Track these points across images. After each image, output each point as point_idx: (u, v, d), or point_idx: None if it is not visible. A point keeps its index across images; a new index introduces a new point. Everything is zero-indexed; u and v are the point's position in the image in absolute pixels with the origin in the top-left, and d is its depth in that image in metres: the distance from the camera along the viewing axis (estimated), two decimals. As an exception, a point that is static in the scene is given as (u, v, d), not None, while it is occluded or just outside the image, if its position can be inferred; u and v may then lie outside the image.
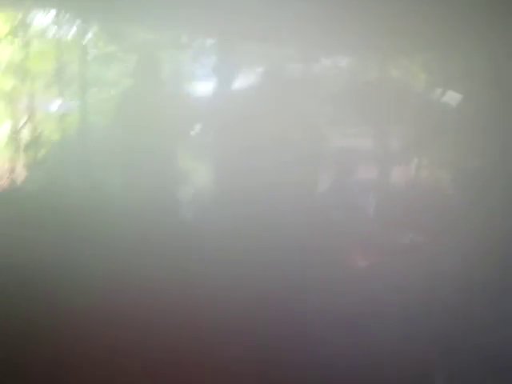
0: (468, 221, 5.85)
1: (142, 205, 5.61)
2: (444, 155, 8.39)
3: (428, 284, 4.61)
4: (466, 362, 4.06)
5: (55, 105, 11.80)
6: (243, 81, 10.90)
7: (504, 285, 4.58)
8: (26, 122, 9.85)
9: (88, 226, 5.14)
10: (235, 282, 4.36)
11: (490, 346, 4.10)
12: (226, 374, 3.94)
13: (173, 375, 3.93)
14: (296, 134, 5.72)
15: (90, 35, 6.38)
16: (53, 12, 8.85)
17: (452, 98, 9.62)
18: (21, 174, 7.67)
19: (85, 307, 4.19)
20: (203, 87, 12.03)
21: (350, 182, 6.63)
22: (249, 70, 11.77)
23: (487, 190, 6.43)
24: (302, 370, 3.98)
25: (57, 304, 4.21)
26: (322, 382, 3.97)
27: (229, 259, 4.59)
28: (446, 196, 7.44)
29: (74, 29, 10.99)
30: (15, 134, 9.59)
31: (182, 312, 4.16)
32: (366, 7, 6.20)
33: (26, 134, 9.53)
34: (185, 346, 4.03)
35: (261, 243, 4.93)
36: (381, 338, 4.21)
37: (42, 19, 10.60)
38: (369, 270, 4.97)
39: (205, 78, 13.91)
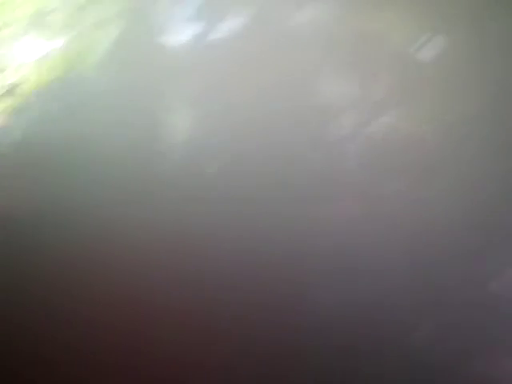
0: (450, 171, 5.87)
1: (124, 152, 5.54)
2: (425, 105, 8.39)
3: (414, 232, 4.58)
4: (454, 315, 4.09)
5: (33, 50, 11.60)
6: (227, 25, 10.74)
7: (488, 234, 4.58)
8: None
9: (72, 173, 5.04)
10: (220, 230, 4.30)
11: (478, 300, 4.13)
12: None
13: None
14: (283, 84, 5.66)
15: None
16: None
17: (436, 45, 9.59)
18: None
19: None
20: (186, 31, 11.83)
21: (333, 131, 6.60)
22: (235, 13, 11.60)
23: (468, 140, 6.44)
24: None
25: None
26: (310, 332, 3.97)
27: (209, 209, 4.52)
28: (427, 146, 7.45)
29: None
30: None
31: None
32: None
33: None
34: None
35: (244, 194, 4.87)
36: (367, 290, 4.21)
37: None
38: (354, 220, 4.96)
39: (188, 21, 13.70)
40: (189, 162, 5.88)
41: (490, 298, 4.30)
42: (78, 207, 4.63)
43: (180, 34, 8.32)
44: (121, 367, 3.96)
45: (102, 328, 4.08)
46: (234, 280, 4.30)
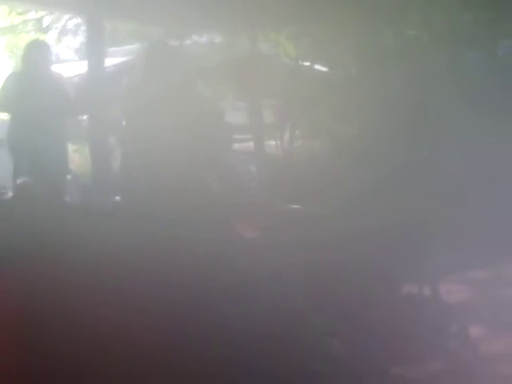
0: (345, 188, 5.99)
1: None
2: (317, 125, 8.58)
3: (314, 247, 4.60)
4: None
5: None
6: (113, 60, 10.70)
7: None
8: None
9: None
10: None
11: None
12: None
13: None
14: (191, 109, 5.65)
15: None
16: None
17: (320, 69, 9.85)
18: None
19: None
20: (69, 68, 11.72)
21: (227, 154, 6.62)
22: (119, 48, 11.60)
23: (363, 158, 6.60)
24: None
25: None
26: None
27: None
28: (322, 164, 7.59)
29: None
30: None
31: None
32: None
33: None
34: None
35: (152, 220, 4.77)
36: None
37: None
38: (255, 240, 4.92)
39: (70, 59, 13.53)
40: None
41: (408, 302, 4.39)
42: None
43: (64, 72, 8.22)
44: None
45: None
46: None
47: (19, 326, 3.70)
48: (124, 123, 6.19)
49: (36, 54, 6.60)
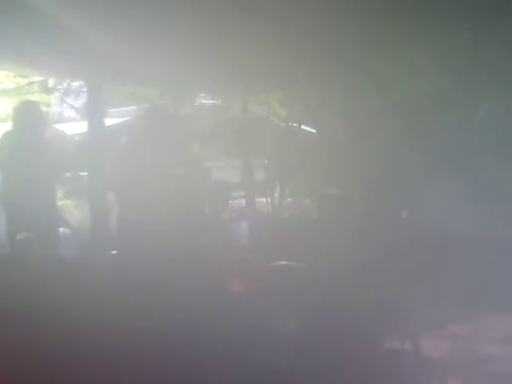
0: (332, 244, 6.01)
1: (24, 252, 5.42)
2: (306, 184, 8.64)
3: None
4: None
5: None
6: (112, 120, 10.83)
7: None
8: None
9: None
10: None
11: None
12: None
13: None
14: (167, 169, 5.73)
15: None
16: None
17: (308, 131, 9.97)
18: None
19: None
20: (72, 128, 11.84)
21: (221, 212, 6.65)
22: (117, 109, 11.75)
23: (348, 215, 6.65)
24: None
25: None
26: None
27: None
28: (310, 222, 7.62)
29: None
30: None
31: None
32: (224, 53, 6.30)
33: None
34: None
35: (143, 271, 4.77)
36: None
37: None
38: (245, 296, 4.93)
39: (72, 119, 13.66)
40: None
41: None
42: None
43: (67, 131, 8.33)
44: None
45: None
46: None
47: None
48: (120, 180, 6.28)
49: (26, 114, 6.62)
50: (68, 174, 7.68)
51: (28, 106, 7.12)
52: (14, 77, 10.09)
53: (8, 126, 9.39)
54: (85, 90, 9.51)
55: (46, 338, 3.70)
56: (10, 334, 3.70)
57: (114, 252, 6.02)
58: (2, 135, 6.97)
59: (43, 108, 8.09)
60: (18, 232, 5.89)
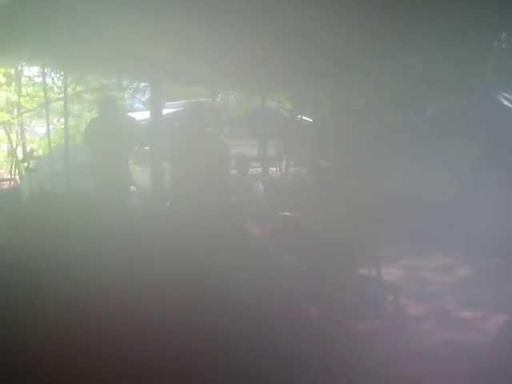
0: (322, 200, 6.03)
1: (105, 202, 5.38)
2: (303, 158, 8.65)
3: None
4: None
5: (39, 130, 11.40)
6: (168, 110, 10.84)
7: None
8: (19, 143, 9.57)
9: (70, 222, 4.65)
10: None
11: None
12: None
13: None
14: (207, 146, 5.74)
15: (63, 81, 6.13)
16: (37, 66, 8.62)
17: (307, 120, 9.95)
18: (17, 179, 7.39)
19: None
20: (140, 115, 11.86)
21: (244, 176, 6.67)
22: (172, 103, 11.74)
23: (333, 180, 6.65)
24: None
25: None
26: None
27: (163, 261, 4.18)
28: (307, 184, 7.64)
29: (52, 76, 10.72)
30: (12, 151, 9.28)
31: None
32: (248, 63, 6.25)
33: (19, 151, 9.24)
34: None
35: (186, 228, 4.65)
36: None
37: (31, 71, 10.32)
38: (261, 237, 4.93)
39: (140, 109, 13.63)
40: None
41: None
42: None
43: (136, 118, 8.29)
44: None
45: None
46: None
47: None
48: (172, 154, 6.35)
49: (106, 105, 6.71)
50: (136, 148, 7.72)
51: (108, 99, 7.22)
52: (98, 79, 10.10)
53: (94, 114, 9.48)
54: (149, 88, 9.55)
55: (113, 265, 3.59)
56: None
57: (167, 203, 6.07)
58: (91, 121, 7.03)
59: (119, 101, 8.16)
60: (101, 187, 5.98)
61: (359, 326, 3.74)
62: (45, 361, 2.95)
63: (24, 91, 9.74)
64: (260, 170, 8.44)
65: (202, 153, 5.56)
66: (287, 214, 5.21)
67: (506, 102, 6.21)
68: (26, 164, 6.12)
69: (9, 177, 8.17)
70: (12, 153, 9.15)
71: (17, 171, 8.23)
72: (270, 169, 8.65)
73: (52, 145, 6.85)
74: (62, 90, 7.61)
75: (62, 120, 9.04)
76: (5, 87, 9.23)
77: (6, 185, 6.91)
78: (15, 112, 9.59)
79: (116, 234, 4.01)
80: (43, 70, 7.90)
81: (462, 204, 5.73)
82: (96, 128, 6.65)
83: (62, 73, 6.50)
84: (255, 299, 3.67)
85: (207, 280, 3.67)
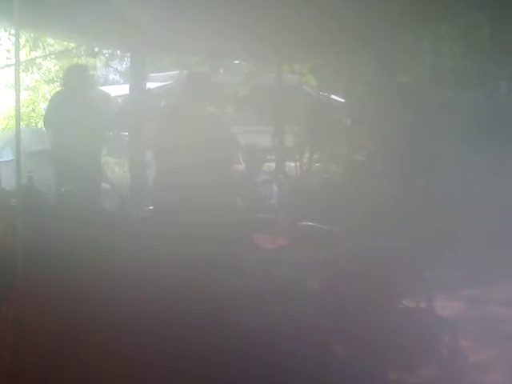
0: (355, 207, 6.00)
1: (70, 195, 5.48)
2: (332, 150, 8.61)
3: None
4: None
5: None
6: (153, 84, 10.83)
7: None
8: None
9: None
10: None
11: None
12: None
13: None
14: (203, 134, 5.72)
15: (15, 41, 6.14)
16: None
17: (337, 101, 9.91)
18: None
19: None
20: (116, 89, 11.86)
21: (254, 174, 6.66)
22: (159, 74, 11.74)
23: (373, 180, 6.61)
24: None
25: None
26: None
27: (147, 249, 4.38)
28: (337, 185, 7.60)
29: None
30: None
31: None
32: (260, 23, 6.26)
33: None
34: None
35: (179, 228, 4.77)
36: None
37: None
38: (272, 252, 4.94)
39: (117, 82, 13.69)
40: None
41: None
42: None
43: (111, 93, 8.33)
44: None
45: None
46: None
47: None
48: (158, 141, 6.32)
49: (75, 77, 6.71)
50: (111, 133, 7.74)
51: (77, 69, 7.21)
52: (62, 42, 10.13)
53: (56, 86, 9.52)
54: (128, 55, 9.53)
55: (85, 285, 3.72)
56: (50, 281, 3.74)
57: (150, 207, 6.08)
58: (52, 96, 7.04)
59: (89, 71, 8.18)
60: (64, 185, 5.99)
61: (404, 378, 3.72)
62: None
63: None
64: (274, 165, 8.44)
65: (201, 142, 5.55)
66: (309, 224, 5.19)
67: None
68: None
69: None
70: None
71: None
72: (288, 164, 8.64)
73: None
74: (13, 54, 7.59)
75: (13, 94, 9.09)
76: None
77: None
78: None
79: (81, 246, 4.04)
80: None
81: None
82: (59, 106, 6.67)
83: (13, 31, 6.47)
84: (265, 341, 3.69)
85: (200, 313, 3.71)
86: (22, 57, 8.90)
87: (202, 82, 6.11)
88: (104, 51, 11.63)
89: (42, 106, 10.18)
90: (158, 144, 6.13)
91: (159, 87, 10.21)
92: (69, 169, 6.28)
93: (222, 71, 9.77)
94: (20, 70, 6.37)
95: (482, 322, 4.59)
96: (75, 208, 4.82)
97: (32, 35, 9.10)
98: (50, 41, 10.10)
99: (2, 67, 9.72)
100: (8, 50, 10.04)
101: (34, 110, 9.69)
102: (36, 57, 10.39)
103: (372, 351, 3.89)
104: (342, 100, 9.71)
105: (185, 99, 5.94)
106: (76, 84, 6.62)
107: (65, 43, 10.25)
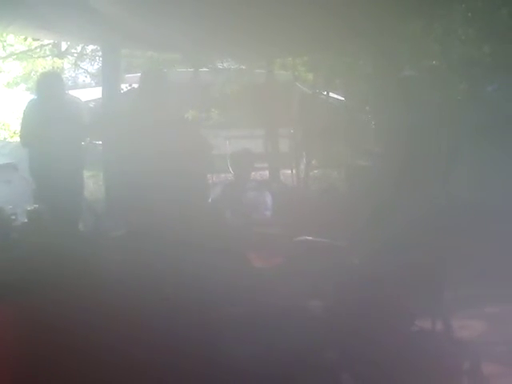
0: (358, 219, 6.01)
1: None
2: (332, 155, 8.61)
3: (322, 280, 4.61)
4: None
5: None
6: (128, 86, 10.83)
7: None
8: None
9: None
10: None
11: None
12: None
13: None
14: (182, 138, 5.72)
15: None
16: None
17: (336, 99, 9.92)
18: None
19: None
20: (86, 93, 11.85)
21: (245, 183, 6.66)
22: (135, 75, 11.70)
23: (376, 187, 6.62)
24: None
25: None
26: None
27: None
28: (338, 194, 7.62)
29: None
30: None
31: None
32: (247, 14, 6.27)
33: None
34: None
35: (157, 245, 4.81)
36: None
37: None
38: (266, 269, 4.93)
39: (87, 85, 13.69)
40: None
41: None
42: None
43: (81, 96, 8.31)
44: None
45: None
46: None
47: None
48: (118, 146, 6.33)
49: (48, 85, 6.71)
50: (83, 143, 7.72)
51: (49, 77, 7.24)
52: (25, 39, 10.12)
53: (18, 90, 9.52)
54: (100, 53, 9.52)
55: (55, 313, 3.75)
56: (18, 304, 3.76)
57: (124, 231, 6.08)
58: (25, 109, 7.08)
59: (58, 75, 8.22)
60: (38, 202, 6.00)
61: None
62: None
63: None
64: (267, 173, 8.42)
65: (164, 147, 5.56)
66: (308, 238, 5.19)
67: None
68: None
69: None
70: None
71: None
72: (283, 172, 8.64)
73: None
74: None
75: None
76: None
77: None
78: None
79: (56, 268, 4.07)
80: None
81: None
82: (34, 121, 6.69)
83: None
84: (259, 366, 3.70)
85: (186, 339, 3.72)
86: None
87: (157, 80, 6.14)
88: (72, 50, 11.65)
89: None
90: (119, 151, 6.16)
91: (133, 89, 10.21)
92: (43, 185, 6.31)
93: (206, 69, 9.79)
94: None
95: (506, 344, 4.60)
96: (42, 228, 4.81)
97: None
98: (10, 39, 10.10)
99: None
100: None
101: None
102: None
103: (384, 379, 3.89)
104: (342, 98, 9.73)
105: (141, 101, 5.97)
106: (49, 94, 6.63)
107: (27, 42, 10.26)
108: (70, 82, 12.20)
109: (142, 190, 5.61)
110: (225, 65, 10.55)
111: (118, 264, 4.49)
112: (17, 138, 7.88)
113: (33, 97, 7.20)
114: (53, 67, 8.61)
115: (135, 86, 10.55)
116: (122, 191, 6.62)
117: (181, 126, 6.05)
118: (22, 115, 7.03)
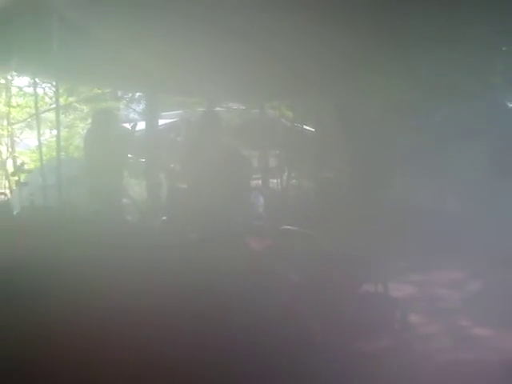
0: (324, 214, 6.00)
1: (101, 210, 5.48)
2: (306, 169, 8.62)
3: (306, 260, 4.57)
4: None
5: (29, 142, 11.43)
6: (164, 121, 10.85)
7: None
8: (9, 155, 9.62)
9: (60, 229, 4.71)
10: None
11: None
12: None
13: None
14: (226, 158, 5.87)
15: (55, 91, 6.18)
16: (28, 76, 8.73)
17: (309, 130, 9.94)
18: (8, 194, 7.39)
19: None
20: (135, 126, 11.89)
21: (246, 188, 6.66)
22: (168, 113, 11.75)
23: (337, 193, 6.62)
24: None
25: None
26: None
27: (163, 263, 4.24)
28: (308, 198, 7.63)
29: (43, 86, 10.77)
30: (2, 164, 9.32)
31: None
32: (248, 73, 6.28)
33: (10, 164, 9.28)
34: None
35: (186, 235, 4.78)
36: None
37: (20, 81, 10.42)
38: (260, 249, 4.93)
39: (136, 120, 13.65)
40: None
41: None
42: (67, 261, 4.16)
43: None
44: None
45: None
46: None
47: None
48: (172, 166, 6.40)
49: (100, 118, 6.75)
50: (131, 160, 7.71)
51: (101, 112, 7.27)
52: (92, 89, 10.18)
53: (87, 124, 9.53)
54: (144, 98, 9.59)
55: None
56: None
57: (164, 218, 6.06)
58: (87, 131, 7.07)
59: (114, 112, 8.24)
60: (94, 202, 5.99)
61: (365, 345, 3.70)
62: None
63: (14, 102, 9.84)
64: (260, 182, 8.45)
65: (220, 165, 5.69)
66: (288, 227, 5.18)
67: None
68: (16, 178, 6.12)
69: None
70: (2, 166, 9.19)
71: (7, 185, 8.25)
72: (271, 181, 8.65)
73: (43, 157, 6.83)
74: (54, 100, 7.59)
75: (54, 131, 9.10)
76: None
77: (-3, 198, 6.95)
78: (5, 123, 9.65)
79: (111, 248, 4.02)
80: (34, 79, 7.96)
81: (475, 214, 5.69)
82: (90, 139, 6.67)
83: (54, 83, 6.49)
84: (254, 317, 3.65)
85: (204, 297, 3.65)
86: (61, 102, 8.91)
87: (215, 117, 6.34)
88: (125, 96, 11.67)
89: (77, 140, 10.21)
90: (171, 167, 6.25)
91: (168, 123, 10.22)
92: (99, 189, 6.28)
93: (217, 109, 9.80)
94: (59, 113, 6.42)
95: (426, 301, 4.60)
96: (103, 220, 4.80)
97: (68, 85, 9.20)
98: (82, 89, 10.16)
99: (46, 111, 9.77)
100: (50, 97, 10.13)
101: (71, 144, 9.76)
102: (71, 102, 10.42)
103: (341, 326, 3.87)
104: (313, 129, 9.75)
105: (201, 132, 6.13)
106: (102, 123, 6.64)
107: (94, 90, 10.30)
108: (123, 117, 12.12)
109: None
110: (231, 105, 10.65)
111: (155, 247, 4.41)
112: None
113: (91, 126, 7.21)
114: (110, 107, 8.65)
115: (167, 121, 10.71)
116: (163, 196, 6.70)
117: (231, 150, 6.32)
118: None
